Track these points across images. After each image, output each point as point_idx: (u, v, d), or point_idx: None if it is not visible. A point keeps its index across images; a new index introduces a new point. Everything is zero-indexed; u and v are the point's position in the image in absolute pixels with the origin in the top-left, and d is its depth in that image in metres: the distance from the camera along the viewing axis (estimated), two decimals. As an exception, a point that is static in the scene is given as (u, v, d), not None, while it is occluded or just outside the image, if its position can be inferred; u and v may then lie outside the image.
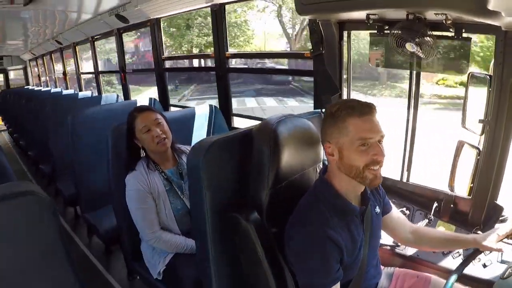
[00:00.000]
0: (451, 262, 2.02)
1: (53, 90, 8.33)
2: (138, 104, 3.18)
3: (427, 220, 2.24)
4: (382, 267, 1.88)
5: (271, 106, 12.34)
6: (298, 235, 1.49)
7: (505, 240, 1.68)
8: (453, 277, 1.55)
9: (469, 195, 2.18)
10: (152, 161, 2.34)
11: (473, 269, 1.91)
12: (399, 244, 2.16)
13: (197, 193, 1.65)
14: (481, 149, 2.08)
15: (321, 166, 1.86)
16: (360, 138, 1.44)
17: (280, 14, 14.69)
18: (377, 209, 1.73)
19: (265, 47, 15.79)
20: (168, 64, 4.75)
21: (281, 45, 15.15)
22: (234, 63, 4.56)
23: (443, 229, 2.19)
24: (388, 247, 2.18)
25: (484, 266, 1.94)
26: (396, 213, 1.89)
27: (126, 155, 2.38)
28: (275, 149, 1.57)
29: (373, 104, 1.50)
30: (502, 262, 1.91)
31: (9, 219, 1.30)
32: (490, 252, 1.92)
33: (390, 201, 1.86)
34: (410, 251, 2.16)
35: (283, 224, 1.57)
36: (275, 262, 1.58)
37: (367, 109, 1.46)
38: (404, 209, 2.34)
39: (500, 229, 1.66)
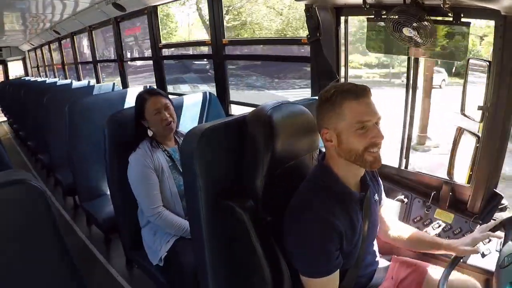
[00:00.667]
0: None
1: (50, 80, 8.33)
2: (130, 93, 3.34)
3: (426, 208, 2.23)
4: (379, 254, 1.88)
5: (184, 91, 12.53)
6: (298, 222, 1.48)
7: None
8: (445, 274, 1.56)
9: (468, 183, 2.15)
10: (156, 140, 2.42)
11: (472, 258, 1.91)
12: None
13: (191, 181, 1.63)
14: (480, 137, 2.05)
15: (317, 153, 1.84)
16: (358, 121, 1.43)
17: (199, 7, 15.80)
18: (376, 197, 1.73)
19: (189, 37, 17.33)
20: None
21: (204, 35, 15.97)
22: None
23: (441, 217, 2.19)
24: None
25: (483, 255, 1.93)
26: (385, 206, 1.91)
27: (122, 141, 2.43)
28: (270, 135, 1.55)
29: (367, 86, 1.48)
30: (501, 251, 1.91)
31: (1, 207, 1.28)
32: (489, 241, 1.92)
33: (386, 190, 1.86)
34: None
35: (278, 211, 1.56)
36: (270, 250, 1.57)
37: (363, 92, 1.45)
38: (402, 196, 2.32)
39: (478, 231, 1.69)
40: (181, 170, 2.36)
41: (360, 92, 1.45)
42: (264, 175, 1.59)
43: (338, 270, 1.50)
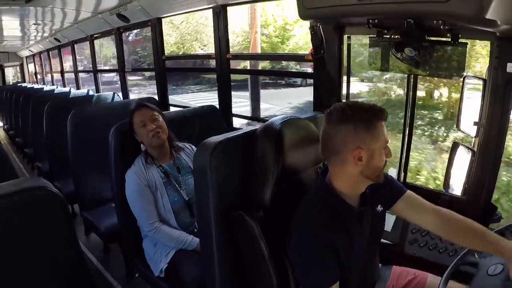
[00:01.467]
0: (448, 259, 2.05)
1: (48, 87, 8.29)
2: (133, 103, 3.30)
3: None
4: (380, 265, 1.92)
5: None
6: (297, 235, 1.53)
7: None
8: (446, 277, 1.58)
9: (463, 195, 2.22)
10: (151, 156, 2.44)
11: (468, 266, 1.95)
12: (393, 242, 2.22)
13: (203, 191, 1.69)
14: (475, 151, 2.12)
15: (321, 166, 1.90)
16: (386, 141, 1.50)
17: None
18: (379, 207, 1.72)
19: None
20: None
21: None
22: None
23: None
24: (387, 245, 2.23)
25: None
26: (411, 194, 1.79)
27: (127, 152, 2.49)
28: (279, 149, 1.62)
29: None
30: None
31: (23, 213, 1.34)
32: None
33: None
34: (407, 249, 2.21)
35: (286, 223, 1.61)
36: (278, 260, 1.62)
37: (386, 113, 1.51)
38: None
39: None
40: (176, 185, 2.44)
41: (385, 114, 1.50)
42: (273, 187, 1.65)
43: (337, 282, 1.52)
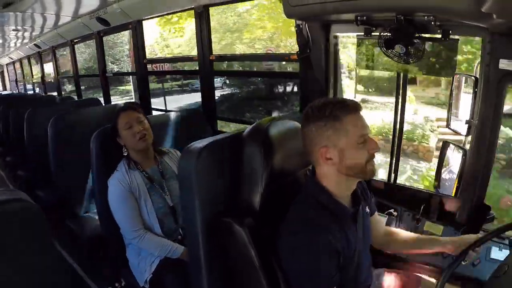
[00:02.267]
0: (440, 261, 2.02)
1: (29, 94, 8.20)
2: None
3: (416, 221, 2.25)
4: (372, 268, 1.88)
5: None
6: (294, 241, 1.47)
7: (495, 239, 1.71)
8: (443, 278, 1.55)
9: (455, 195, 2.19)
10: (133, 161, 2.38)
11: (462, 268, 1.92)
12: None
13: (189, 198, 1.63)
14: (466, 150, 2.09)
15: (310, 169, 1.85)
16: (361, 135, 1.43)
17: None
18: (367, 209, 1.74)
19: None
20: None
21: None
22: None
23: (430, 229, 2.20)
24: (379, 249, 2.18)
25: (474, 265, 1.95)
26: (376, 215, 1.91)
27: (110, 157, 2.41)
28: (267, 151, 1.57)
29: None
30: (491, 260, 1.93)
31: None
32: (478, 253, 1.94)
33: (376, 204, 1.89)
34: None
35: (276, 227, 1.55)
36: (268, 267, 1.56)
37: (358, 106, 1.46)
38: (391, 210, 2.34)
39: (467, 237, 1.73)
40: (161, 190, 2.39)
41: (357, 106, 1.45)
42: (262, 191, 1.60)
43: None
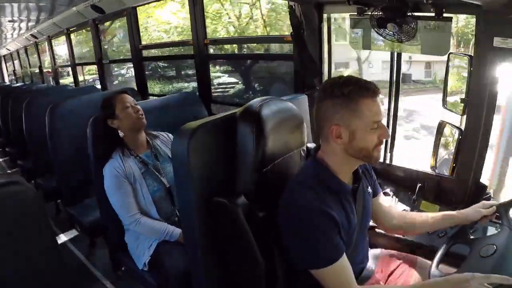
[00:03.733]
0: (437, 241, 2.02)
1: (27, 84, 8.19)
2: None
3: (412, 201, 2.26)
4: (368, 249, 1.87)
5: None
6: (294, 215, 1.46)
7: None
8: (437, 260, 1.57)
9: (451, 174, 2.19)
10: (127, 148, 2.41)
11: (458, 247, 1.93)
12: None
13: (183, 179, 1.64)
14: (463, 129, 2.09)
15: (305, 149, 1.85)
16: (374, 121, 1.42)
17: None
18: (369, 189, 1.72)
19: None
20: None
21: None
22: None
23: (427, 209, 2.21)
24: (374, 229, 2.18)
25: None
26: (383, 198, 1.89)
27: (106, 143, 2.42)
28: (260, 131, 1.56)
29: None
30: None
31: None
32: (474, 230, 1.94)
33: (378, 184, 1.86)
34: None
35: (270, 207, 1.56)
36: (264, 246, 1.57)
37: (378, 90, 1.44)
38: (388, 190, 2.35)
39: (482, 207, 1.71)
40: (157, 173, 2.41)
41: (376, 90, 1.43)
42: (255, 171, 1.59)
43: (345, 254, 1.46)
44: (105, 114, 2.41)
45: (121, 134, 2.41)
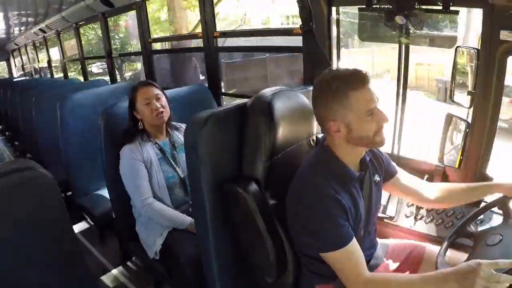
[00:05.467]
0: (444, 231, 2.04)
1: (36, 78, 8.22)
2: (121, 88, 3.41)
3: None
4: (377, 238, 1.90)
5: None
6: (304, 202, 1.49)
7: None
8: (445, 246, 1.57)
9: (458, 167, 2.21)
10: (147, 133, 2.44)
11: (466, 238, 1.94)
12: (393, 216, 2.20)
13: (195, 166, 1.67)
14: (469, 122, 2.11)
15: (314, 139, 1.88)
16: (367, 109, 1.44)
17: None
18: (376, 177, 1.73)
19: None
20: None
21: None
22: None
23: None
24: (383, 219, 2.21)
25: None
26: (405, 174, 1.89)
27: (118, 135, 2.45)
28: (271, 121, 1.59)
29: (366, 71, 1.48)
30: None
31: (12, 194, 1.38)
32: (481, 221, 1.95)
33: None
34: (404, 223, 2.19)
35: (280, 196, 1.60)
36: (274, 233, 1.61)
37: (365, 79, 1.45)
38: None
39: None
40: (172, 162, 2.43)
41: (363, 79, 1.45)
42: (266, 160, 1.63)
43: (354, 239, 1.47)
44: (129, 105, 2.46)
45: (140, 126, 2.45)
